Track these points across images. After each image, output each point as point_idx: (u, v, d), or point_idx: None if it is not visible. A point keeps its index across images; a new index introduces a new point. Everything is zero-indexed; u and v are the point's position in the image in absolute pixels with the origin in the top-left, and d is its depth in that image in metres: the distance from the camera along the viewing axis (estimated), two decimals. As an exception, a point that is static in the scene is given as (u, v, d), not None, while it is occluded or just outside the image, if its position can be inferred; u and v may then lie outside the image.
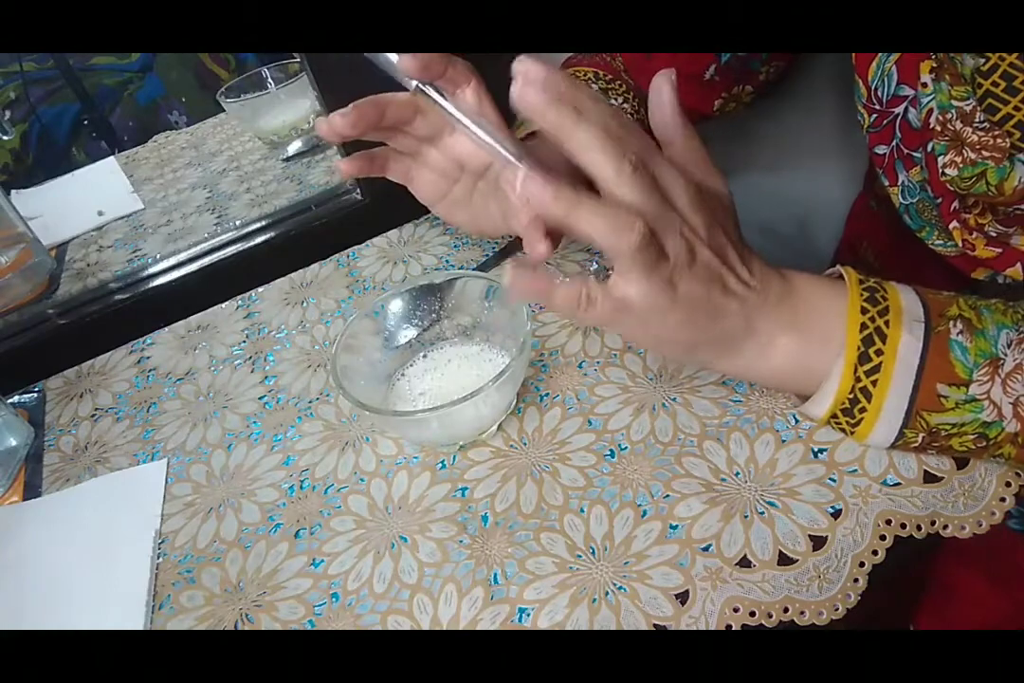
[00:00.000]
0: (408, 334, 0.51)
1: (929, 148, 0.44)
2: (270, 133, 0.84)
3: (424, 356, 0.51)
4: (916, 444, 0.38)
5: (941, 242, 0.48)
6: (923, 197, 0.47)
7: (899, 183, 0.49)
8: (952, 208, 0.45)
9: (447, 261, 0.63)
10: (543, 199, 0.32)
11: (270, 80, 0.82)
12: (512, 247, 0.61)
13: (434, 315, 0.51)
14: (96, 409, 0.58)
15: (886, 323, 0.37)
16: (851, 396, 0.37)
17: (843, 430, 0.40)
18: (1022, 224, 0.43)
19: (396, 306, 0.50)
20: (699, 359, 0.39)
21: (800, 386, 0.40)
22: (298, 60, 0.81)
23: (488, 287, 0.49)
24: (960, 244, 0.45)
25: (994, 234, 0.44)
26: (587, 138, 0.32)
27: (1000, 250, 0.44)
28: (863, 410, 0.37)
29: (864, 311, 0.37)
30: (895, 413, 0.37)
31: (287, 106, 0.82)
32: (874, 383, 0.37)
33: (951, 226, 0.45)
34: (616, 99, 0.60)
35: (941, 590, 0.55)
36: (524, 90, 0.32)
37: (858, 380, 0.37)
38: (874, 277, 0.39)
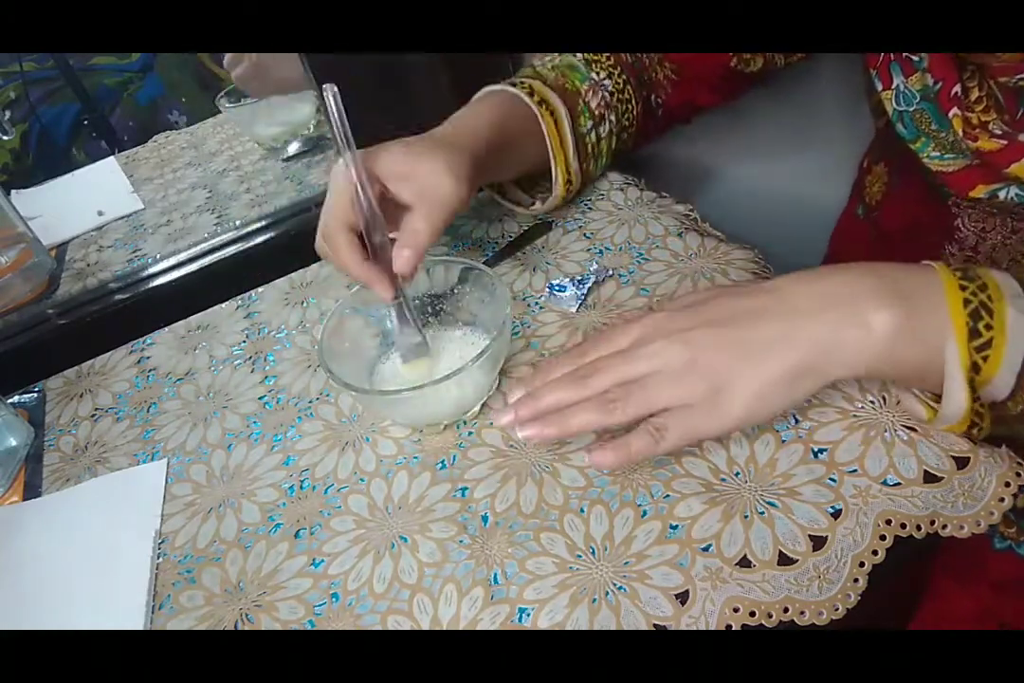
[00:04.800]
0: (393, 320, 0.51)
1: None
2: (269, 138, 0.83)
3: None
4: (1015, 414, 0.37)
5: (937, 154, 0.47)
6: (922, 107, 0.46)
7: (893, 87, 0.47)
8: (952, 93, 0.43)
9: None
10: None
11: (271, 84, 0.82)
12: (511, 248, 0.61)
13: (418, 301, 0.52)
14: (96, 409, 0.58)
15: (988, 298, 0.35)
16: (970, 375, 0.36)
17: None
18: None
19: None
20: (807, 377, 0.38)
21: (917, 368, 0.38)
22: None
23: (471, 273, 0.50)
24: (960, 134, 0.43)
25: (999, 132, 0.42)
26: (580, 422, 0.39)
27: (1006, 142, 0.42)
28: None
29: (963, 287, 0.36)
30: (1002, 388, 0.36)
31: (287, 111, 0.81)
32: (985, 359, 0.35)
33: (951, 114, 0.44)
34: (599, 73, 0.59)
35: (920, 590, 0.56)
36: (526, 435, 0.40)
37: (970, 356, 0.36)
38: None
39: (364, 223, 0.46)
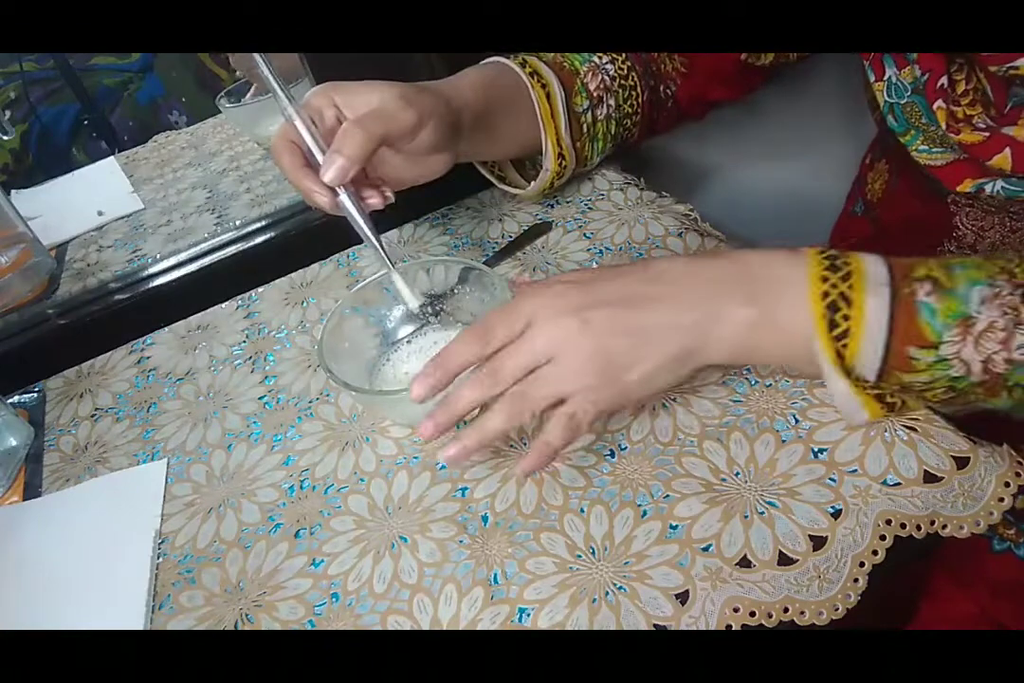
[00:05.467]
0: (393, 320, 0.52)
1: None
2: (268, 139, 0.83)
3: (408, 342, 0.52)
4: (890, 392, 0.39)
5: (926, 148, 0.47)
6: (912, 100, 0.46)
7: (885, 78, 0.48)
8: (938, 84, 0.44)
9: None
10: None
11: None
12: (511, 248, 0.61)
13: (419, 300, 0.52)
14: (96, 409, 0.58)
15: (850, 287, 0.37)
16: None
17: None
18: (1014, 121, 0.42)
19: (381, 293, 0.51)
20: (689, 360, 0.40)
21: (779, 357, 0.41)
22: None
23: (471, 273, 0.50)
24: (944, 126, 0.44)
25: (983, 126, 0.43)
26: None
27: (987, 135, 0.43)
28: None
29: (824, 279, 0.37)
30: (868, 372, 0.37)
31: (287, 111, 0.81)
32: (844, 347, 0.37)
33: (935, 106, 0.44)
34: (602, 57, 0.59)
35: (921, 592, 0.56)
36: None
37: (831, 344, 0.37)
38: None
39: (305, 143, 0.46)
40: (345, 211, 0.46)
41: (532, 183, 0.61)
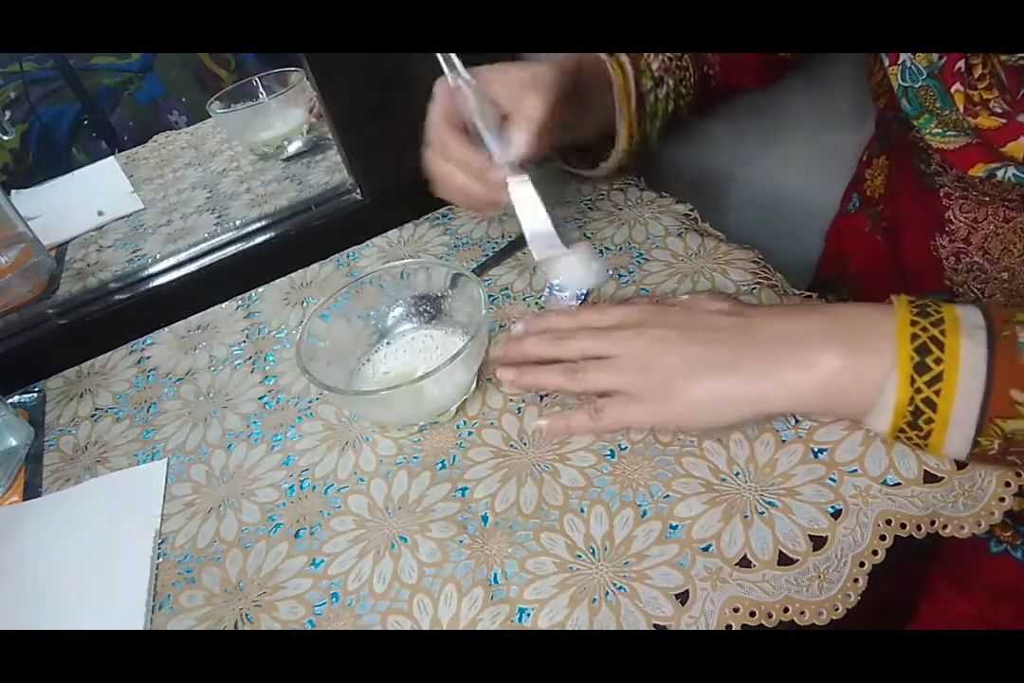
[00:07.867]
0: (374, 320, 0.52)
1: None
2: (261, 144, 0.83)
3: (388, 343, 0.52)
4: (994, 451, 0.36)
5: (939, 131, 0.47)
6: (927, 84, 0.46)
7: (899, 62, 0.47)
8: (956, 68, 0.44)
9: (447, 261, 0.63)
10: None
11: (261, 90, 0.82)
12: (511, 248, 0.61)
13: (400, 302, 0.52)
14: (96, 409, 0.58)
15: (941, 332, 0.35)
16: (912, 408, 0.36)
17: (916, 444, 0.38)
18: None
19: (363, 294, 0.51)
20: (737, 402, 0.40)
21: (861, 404, 0.39)
22: (294, 70, 0.81)
23: (452, 276, 0.50)
24: (961, 109, 0.44)
25: (999, 111, 0.42)
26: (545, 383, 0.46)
27: (1004, 121, 0.43)
28: (929, 421, 0.36)
29: (914, 323, 0.36)
30: (966, 422, 0.35)
31: (278, 117, 0.81)
32: (937, 392, 0.35)
33: (953, 89, 0.44)
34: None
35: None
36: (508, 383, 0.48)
37: (918, 391, 0.35)
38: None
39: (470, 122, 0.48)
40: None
41: (601, 164, 0.60)
